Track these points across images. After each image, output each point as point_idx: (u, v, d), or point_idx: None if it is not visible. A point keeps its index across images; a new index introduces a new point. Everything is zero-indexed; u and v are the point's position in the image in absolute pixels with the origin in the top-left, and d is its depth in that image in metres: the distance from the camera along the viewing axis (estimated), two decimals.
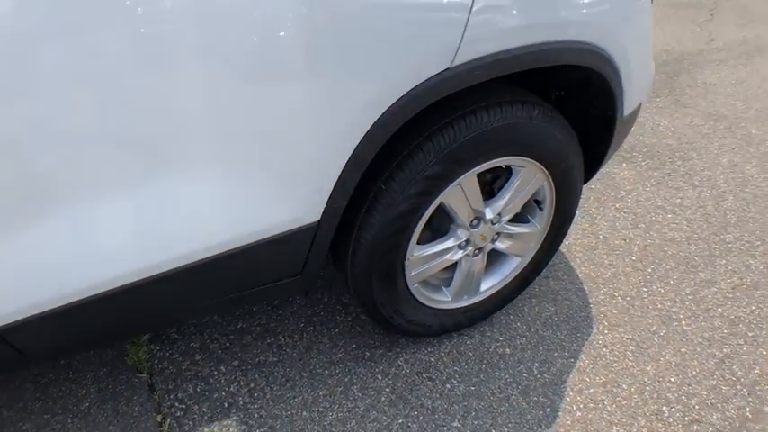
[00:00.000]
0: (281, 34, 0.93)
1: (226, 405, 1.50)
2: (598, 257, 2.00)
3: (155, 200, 1.00)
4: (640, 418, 1.54)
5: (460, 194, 1.35)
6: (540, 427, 1.48)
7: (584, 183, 1.69)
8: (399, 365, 1.60)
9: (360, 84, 1.04)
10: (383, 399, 1.52)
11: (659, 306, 1.85)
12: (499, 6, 1.10)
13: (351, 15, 0.97)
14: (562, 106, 1.53)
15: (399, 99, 1.07)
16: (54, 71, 0.82)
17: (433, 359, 1.62)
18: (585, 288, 1.88)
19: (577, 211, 2.03)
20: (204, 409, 1.49)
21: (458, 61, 1.09)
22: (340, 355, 1.63)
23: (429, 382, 1.56)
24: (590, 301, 1.84)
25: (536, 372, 1.61)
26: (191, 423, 1.46)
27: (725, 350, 1.77)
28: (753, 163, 2.57)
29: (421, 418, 1.48)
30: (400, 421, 1.47)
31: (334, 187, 1.14)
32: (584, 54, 1.27)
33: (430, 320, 1.58)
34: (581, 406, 1.55)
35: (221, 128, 0.99)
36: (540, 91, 1.47)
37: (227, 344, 1.66)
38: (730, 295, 1.94)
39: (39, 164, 0.89)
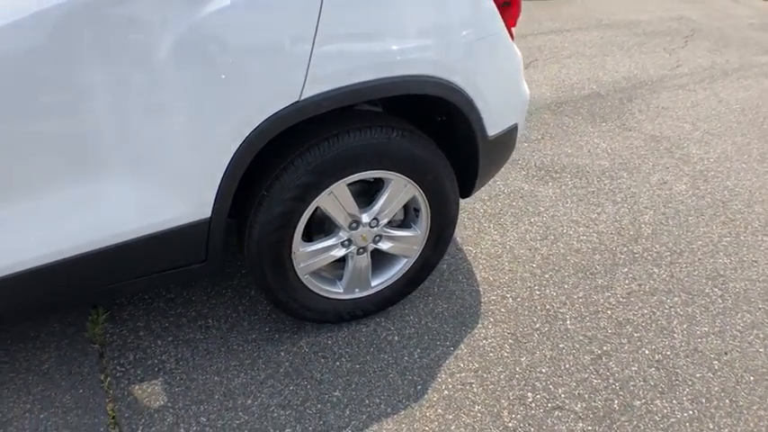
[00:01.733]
0: (167, 72, 1.28)
1: (156, 369, 1.84)
2: (500, 264, 2.26)
3: (76, 193, 1.36)
4: (503, 401, 1.78)
5: (334, 201, 1.66)
6: (409, 400, 1.75)
7: (467, 195, 1.98)
8: (300, 345, 1.90)
9: (224, 112, 1.38)
10: (281, 371, 1.82)
11: (548, 307, 2.09)
12: (337, 53, 1.42)
13: (212, 58, 1.32)
14: (445, 129, 1.84)
15: (258, 125, 1.41)
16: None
17: (330, 342, 1.92)
18: (481, 290, 2.14)
19: (491, 224, 2.29)
20: (138, 372, 1.83)
21: (305, 95, 1.42)
22: (254, 335, 1.94)
23: (322, 360, 1.86)
24: (482, 300, 2.09)
25: (416, 356, 1.88)
26: (125, 381, 1.80)
27: (605, 348, 1.99)
28: (683, 180, 2.76)
29: (309, 387, 1.77)
30: (291, 388, 1.76)
31: (218, 190, 1.47)
32: (428, 85, 1.57)
33: (325, 308, 1.88)
34: (450, 387, 1.80)
35: (127, 139, 1.34)
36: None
37: (167, 324, 2.00)
38: (623, 300, 2.15)
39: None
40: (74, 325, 1.98)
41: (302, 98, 1.42)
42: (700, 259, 2.33)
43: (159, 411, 1.68)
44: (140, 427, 1.63)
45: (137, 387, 1.78)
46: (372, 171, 1.66)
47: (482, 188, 2.49)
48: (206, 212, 1.51)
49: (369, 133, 1.59)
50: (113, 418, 1.67)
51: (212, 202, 1.49)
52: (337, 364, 1.85)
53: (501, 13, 1.69)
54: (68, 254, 1.42)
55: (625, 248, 2.36)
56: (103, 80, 1.25)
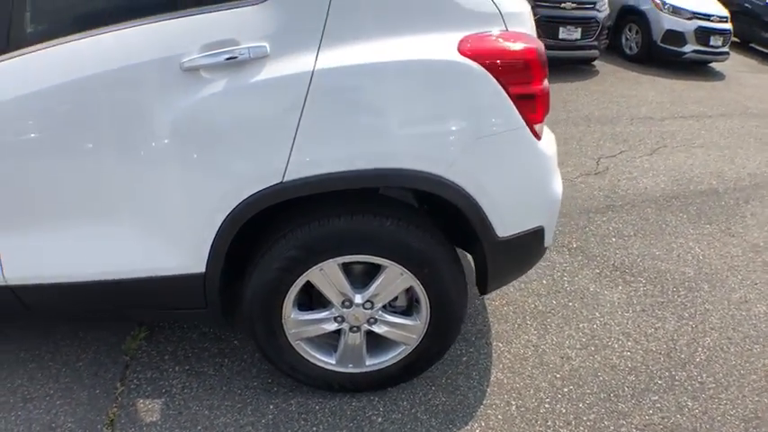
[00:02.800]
0: (166, 145, 1.48)
1: (162, 391, 2.03)
2: (522, 368, 2.10)
3: (97, 230, 1.62)
4: None
5: (325, 278, 1.72)
6: None
7: (483, 293, 1.89)
8: (290, 403, 1.96)
9: (215, 185, 1.54)
10: (263, 421, 1.90)
11: (549, 423, 1.89)
12: (318, 143, 1.50)
13: (203, 138, 1.48)
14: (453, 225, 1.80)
15: (245, 199, 1.53)
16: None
17: (317, 407, 1.95)
18: (488, 391, 2.01)
19: (534, 323, 2.15)
20: (149, 389, 2.04)
21: (287, 178, 1.51)
22: (256, 383, 2.05)
23: (303, 422, 1.89)
24: (483, 402, 1.97)
25: None
26: (135, 393, 2.01)
27: None
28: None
29: None
30: None
31: (210, 250, 1.63)
32: (416, 180, 1.56)
33: (316, 375, 1.92)
34: None
35: (134, 196, 1.57)
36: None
37: (190, 354, 2.21)
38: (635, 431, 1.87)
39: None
40: (116, 336, 2.27)
41: (285, 180, 1.52)
42: (744, 396, 1.93)
43: (149, 426, 1.86)
44: None
45: (141, 401, 1.98)
46: (364, 255, 1.68)
47: (541, 280, 2.36)
48: (201, 267, 1.66)
49: (360, 218, 1.63)
50: (111, 421, 1.88)
51: (206, 259, 1.65)
52: (314, 429, 1.87)
53: (521, 107, 1.58)
54: (93, 277, 1.69)
55: (666, 373, 2.05)
56: (115, 146, 1.48)
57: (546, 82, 1.64)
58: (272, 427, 1.88)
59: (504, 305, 2.36)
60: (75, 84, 1.47)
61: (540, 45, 1.61)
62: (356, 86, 1.50)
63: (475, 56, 1.49)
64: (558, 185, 1.84)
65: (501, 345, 2.21)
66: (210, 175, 1.53)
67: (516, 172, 1.70)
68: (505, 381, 2.05)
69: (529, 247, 1.83)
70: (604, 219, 3.11)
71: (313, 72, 1.46)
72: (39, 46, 1.49)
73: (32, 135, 1.52)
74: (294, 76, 1.46)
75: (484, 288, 1.88)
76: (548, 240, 1.84)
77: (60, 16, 1.56)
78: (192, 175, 1.54)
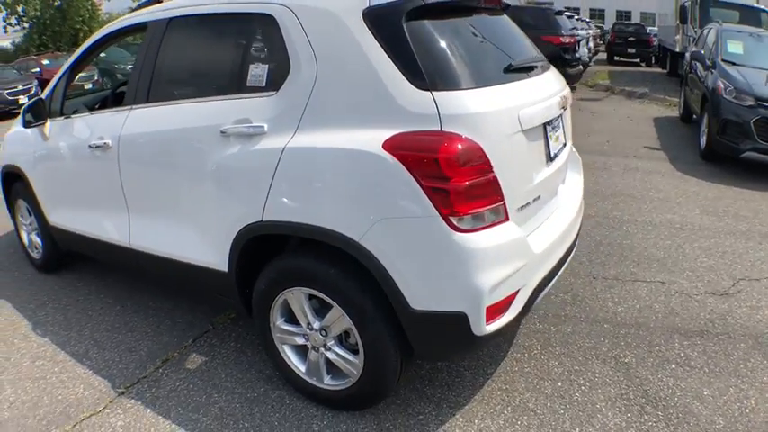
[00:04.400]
0: (203, 179, 2.28)
1: (214, 354, 2.80)
2: None
3: (175, 226, 2.52)
4: None
5: (295, 301, 2.23)
6: None
7: (410, 356, 2.12)
8: (289, 405, 2.50)
9: (228, 211, 2.26)
10: (273, 396, 2.48)
11: None
12: (282, 197, 2.06)
13: (222, 178, 2.23)
14: None
15: (245, 226, 2.20)
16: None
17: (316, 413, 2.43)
18: None
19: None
20: (206, 350, 2.83)
21: (264, 218, 2.12)
22: (278, 393, 2.56)
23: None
24: None
25: None
26: (196, 350, 2.83)
27: None
28: None
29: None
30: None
31: (228, 257, 2.33)
32: (338, 241, 1.96)
33: (292, 378, 2.42)
34: None
35: (191, 205, 2.41)
36: None
37: (249, 342, 2.93)
38: None
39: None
40: (216, 312, 3.16)
41: (263, 219, 2.13)
42: None
43: (184, 372, 2.65)
44: (147, 384, 2.61)
45: (195, 356, 2.79)
46: (316, 291, 2.15)
47: (556, 382, 2.41)
48: (225, 267, 2.38)
49: (312, 261, 2.12)
50: (166, 360, 2.75)
51: (227, 262, 2.35)
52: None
53: (434, 199, 1.80)
54: (172, 256, 2.60)
55: None
56: (182, 172, 2.43)
57: (473, 180, 1.81)
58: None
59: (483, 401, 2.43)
60: (168, 131, 2.43)
61: (465, 146, 1.79)
62: (304, 162, 2.02)
63: (392, 150, 1.83)
64: (486, 279, 1.87)
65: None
66: (229, 203, 2.26)
67: (425, 255, 1.88)
68: None
69: (451, 328, 1.94)
70: (684, 343, 2.70)
71: (284, 148, 2.05)
72: (158, 104, 2.53)
73: (149, 155, 2.55)
74: (273, 150, 2.07)
75: (410, 352, 2.10)
76: (480, 329, 1.91)
77: (167, 89, 2.57)
78: (220, 200, 2.29)
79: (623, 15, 39.84)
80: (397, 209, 1.87)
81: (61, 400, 2.51)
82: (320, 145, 1.98)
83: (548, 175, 2.24)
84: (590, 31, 15.60)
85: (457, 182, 1.79)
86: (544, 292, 2.22)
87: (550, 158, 2.27)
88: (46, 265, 3.76)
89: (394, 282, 1.93)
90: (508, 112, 1.94)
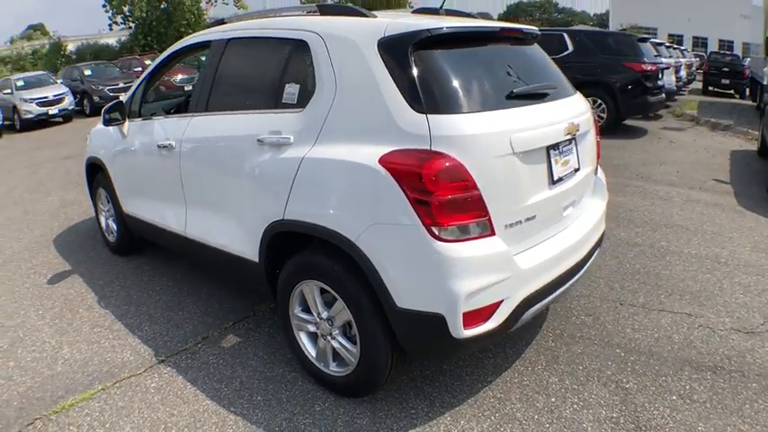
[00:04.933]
0: (244, 178, 2.62)
1: (250, 340, 3.12)
2: None
3: (220, 219, 2.88)
4: None
5: (309, 292, 2.50)
6: None
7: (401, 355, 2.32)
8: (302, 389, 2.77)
9: (260, 209, 2.56)
10: (288, 377, 2.77)
11: None
12: (297, 201, 2.36)
13: (258, 181, 2.53)
14: None
15: (270, 223, 2.51)
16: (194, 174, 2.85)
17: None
18: None
19: None
20: (243, 333, 3.17)
21: (286, 217, 2.42)
22: (293, 374, 2.84)
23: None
24: None
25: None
26: (235, 332, 3.17)
27: None
28: None
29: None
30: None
31: (259, 248, 2.64)
32: (337, 240, 2.22)
33: (304, 361, 2.68)
34: None
35: (233, 203, 2.76)
36: None
37: (278, 335, 3.23)
38: None
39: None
40: (261, 300, 3.49)
41: (284, 218, 2.42)
42: None
43: (216, 351, 2.99)
44: (184, 356, 2.97)
45: (232, 337, 3.13)
46: (323, 284, 2.40)
47: (549, 397, 2.52)
48: (256, 258, 2.70)
49: (322, 258, 2.38)
50: (206, 338, 3.11)
51: (258, 254, 2.67)
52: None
53: (418, 210, 2.00)
54: (217, 246, 2.97)
55: None
56: (227, 172, 2.79)
57: (455, 195, 2.00)
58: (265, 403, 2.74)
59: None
60: (219, 137, 2.83)
61: (448, 164, 1.99)
62: (317, 170, 2.31)
63: (386, 164, 2.07)
64: (463, 286, 2.03)
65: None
66: (260, 202, 2.58)
67: (409, 259, 2.08)
68: None
69: (431, 328, 2.11)
70: (693, 376, 2.66)
71: (303, 158, 2.35)
72: (213, 113, 2.91)
73: (202, 156, 2.94)
74: (296, 158, 2.37)
75: (400, 350, 2.30)
76: (458, 332, 2.07)
77: (221, 100, 2.95)
78: (254, 199, 2.62)
79: (726, 45, 37.55)
80: (387, 216, 2.10)
81: (109, 361, 2.93)
82: (330, 156, 2.26)
83: (548, 197, 2.36)
84: (681, 60, 14.94)
85: (438, 196, 1.98)
86: (535, 309, 2.33)
87: (553, 182, 2.39)
88: (119, 249, 4.31)
89: (382, 281, 2.15)
90: (499, 135, 2.11)
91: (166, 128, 3.31)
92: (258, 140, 2.55)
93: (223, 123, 2.86)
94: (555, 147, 2.41)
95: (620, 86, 8.13)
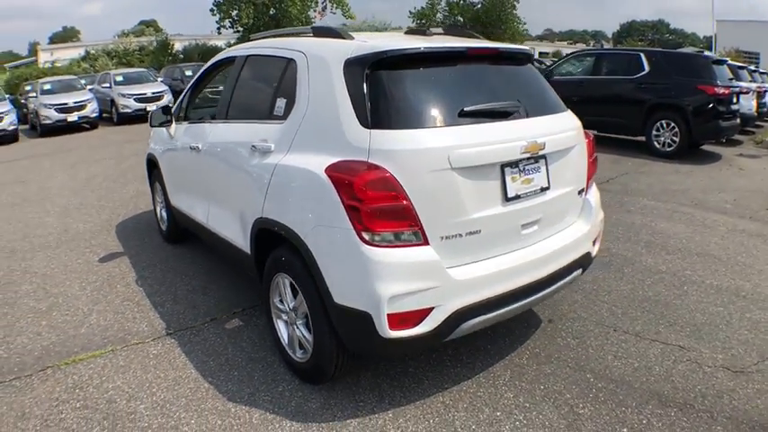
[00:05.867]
0: (239, 176, 2.96)
1: (236, 330, 3.47)
2: None
3: (226, 213, 3.26)
4: None
5: (282, 284, 2.77)
6: None
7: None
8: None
9: (247, 209, 2.92)
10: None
11: None
12: (270, 201, 2.64)
13: (251, 182, 2.86)
14: None
15: (254, 220, 2.83)
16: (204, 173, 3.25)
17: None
18: None
19: None
20: (256, 322, 3.52)
21: (263, 215, 2.73)
22: (272, 358, 3.20)
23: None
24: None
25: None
26: (230, 320, 3.53)
27: None
28: None
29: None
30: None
31: (249, 242, 2.97)
32: (291, 236, 2.49)
33: (281, 348, 2.93)
34: None
35: (233, 199, 3.13)
36: None
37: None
38: None
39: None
40: None
41: (262, 216, 2.73)
42: None
43: (203, 336, 3.35)
44: (190, 332, 3.35)
45: (222, 323, 3.48)
46: (289, 278, 2.66)
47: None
48: (249, 250, 3.02)
49: (288, 253, 2.63)
50: (214, 318, 3.47)
51: (249, 246, 2.99)
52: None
53: (350, 215, 2.21)
54: (226, 237, 3.35)
55: None
56: (229, 172, 3.16)
57: (383, 204, 2.18)
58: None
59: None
60: (229, 142, 3.22)
61: (377, 175, 2.17)
62: (283, 175, 2.60)
63: (329, 172, 2.30)
64: (387, 289, 2.19)
65: None
66: (250, 200, 2.89)
67: (343, 260, 2.30)
68: None
69: (361, 325, 2.28)
70: (657, 411, 2.51)
71: (277, 164, 2.65)
72: (228, 121, 3.30)
73: (217, 158, 3.33)
74: (272, 164, 2.68)
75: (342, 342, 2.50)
76: (384, 331, 2.23)
77: (235, 109, 3.32)
78: (246, 198, 2.94)
79: None
80: (327, 219, 2.33)
81: (126, 329, 3.40)
82: (293, 164, 2.56)
83: (500, 213, 2.44)
84: (765, 85, 13.55)
85: (368, 204, 2.18)
86: (477, 321, 2.42)
87: (507, 199, 2.46)
88: (168, 237, 4.87)
89: (323, 277, 2.38)
90: (436, 151, 2.24)
91: (198, 132, 3.77)
92: (252, 146, 2.88)
93: (233, 130, 3.25)
94: (513, 164, 2.47)
95: (692, 109, 7.65)
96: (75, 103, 14.21)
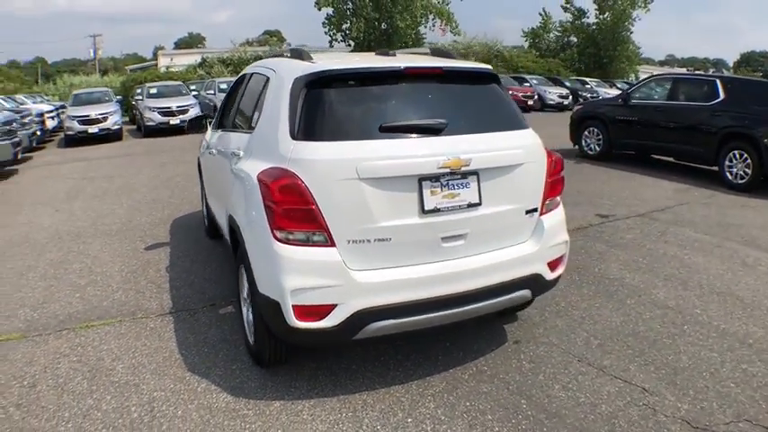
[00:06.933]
0: (232, 175, 3.44)
1: (227, 315, 3.91)
2: None
3: (224, 206, 3.75)
4: None
5: (241, 273, 3.16)
6: None
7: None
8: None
9: (226, 206, 3.35)
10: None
11: None
12: (232, 198, 3.04)
13: (232, 181, 3.32)
14: None
15: (227, 216, 3.28)
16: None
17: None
18: None
19: None
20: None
21: (228, 211, 3.15)
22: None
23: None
24: None
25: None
26: (225, 306, 3.98)
27: None
28: None
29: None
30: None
31: (229, 236, 3.42)
32: (235, 225, 2.96)
33: (245, 331, 3.33)
34: None
35: (226, 195, 3.60)
36: None
37: None
38: None
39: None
40: None
41: (229, 213, 3.17)
42: None
43: (196, 317, 3.82)
44: (187, 312, 3.85)
45: (217, 308, 3.93)
46: (244, 268, 3.04)
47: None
48: (229, 243, 3.48)
49: (241, 246, 3.02)
50: (212, 305, 3.95)
51: (229, 240, 3.45)
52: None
53: (267, 213, 2.54)
54: (223, 231, 3.82)
55: None
56: (224, 173, 3.59)
57: (292, 206, 2.48)
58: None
59: None
60: (224, 149, 3.67)
61: (288, 181, 2.48)
62: (237, 177, 3.03)
63: (258, 177, 2.66)
64: (290, 282, 2.47)
65: None
66: (226, 197, 3.34)
67: (260, 253, 2.66)
68: None
69: (275, 312, 2.57)
70: None
71: (238, 168, 3.06)
72: (229, 130, 3.82)
73: (218, 163, 3.84)
74: (237, 168, 3.10)
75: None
76: (291, 321, 2.51)
77: (235, 121, 3.79)
78: (225, 195, 3.40)
79: None
80: (255, 216, 2.70)
81: (139, 306, 4.01)
82: (244, 168, 2.97)
83: (414, 224, 2.60)
84: None
85: (279, 205, 2.51)
86: (386, 325, 2.59)
87: (424, 211, 2.61)
88: (208, 232, 5.51)
89: (251, 268, 2.75)
90: (344, 162, 2.49)
91: (217, 139, 4.33)
92: (232, 153, 3.34)
93: (231, 138, 3.74)
94: (432, 178, 2.61)
95: (766, 141, 6.97)
96: (178, 107, 14.98)
